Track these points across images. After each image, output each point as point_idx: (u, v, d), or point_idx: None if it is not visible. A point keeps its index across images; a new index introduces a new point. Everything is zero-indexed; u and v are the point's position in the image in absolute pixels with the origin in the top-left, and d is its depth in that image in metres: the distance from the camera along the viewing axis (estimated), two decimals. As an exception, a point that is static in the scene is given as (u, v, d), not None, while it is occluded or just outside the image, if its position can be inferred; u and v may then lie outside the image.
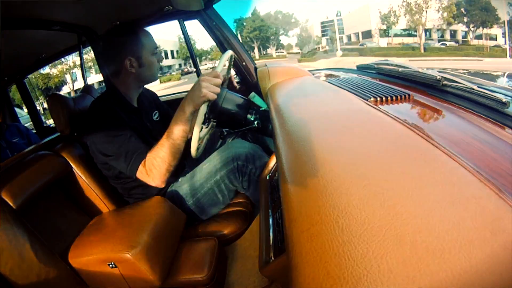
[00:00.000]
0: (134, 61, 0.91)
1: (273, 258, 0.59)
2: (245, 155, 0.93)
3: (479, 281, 0.19)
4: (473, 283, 0.18)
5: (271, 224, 0.67)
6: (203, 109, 0.79)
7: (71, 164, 0.90)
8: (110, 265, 0.72)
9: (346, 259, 0.22)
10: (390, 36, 18.56)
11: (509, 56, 15.13)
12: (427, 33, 17.94)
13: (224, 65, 0.90)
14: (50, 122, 2.28)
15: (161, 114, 1.10)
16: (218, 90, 0.80)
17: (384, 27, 18.40)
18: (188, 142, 0.85)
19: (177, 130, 0.82)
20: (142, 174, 0.83)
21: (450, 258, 0.20)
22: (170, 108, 1.16)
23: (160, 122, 1.08)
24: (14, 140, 1.63)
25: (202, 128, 0.82)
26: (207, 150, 1.14)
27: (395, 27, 18.25)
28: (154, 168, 0.82)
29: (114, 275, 0.73)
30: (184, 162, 1.13)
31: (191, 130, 0.82)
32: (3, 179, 0.73)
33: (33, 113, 2.24)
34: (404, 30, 18.18)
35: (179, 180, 0.99)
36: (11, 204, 0.69)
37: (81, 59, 1.65)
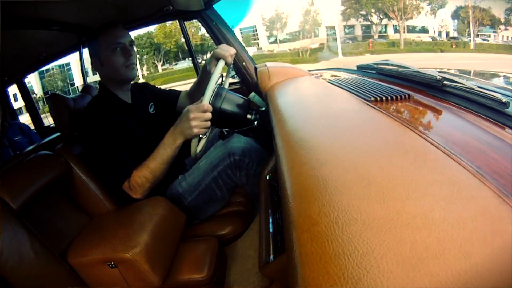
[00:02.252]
0: (97, 61, 0.93)
1: (273, 258, 0.59)
2: (241, 149, 0.93)
3: (479, 281, 0.19)
4: (473, 283, 0.18)
5: (271, 224, 0.67)
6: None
7: (71, 164, 0.90)
8: (110, 265, 0.72)
9: (346, 259, 0.22)
10: (277, 43, 16.92)
11: (341, 55, 14.41)
12: (330, 32, 16.38)
13: (225, 63, 0.90)
14: (49, 122, 2.28)
15: (157, 105, 1.10)
16: (208, 124, 0.81)
17: (268, 33, 16.88)
18: (188, 142, 0.86)
19: (163, 156, 0.85)
20: (125, 186, 0.86)
21: (450, 258, 0.20)
22: (164, 92, 1.17)
23: (156, 114, 1.08)
24: (16, 139, 1.64)
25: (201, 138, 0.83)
26: (207, 149, 1.14)
27: (281, 33, 16.67)
28: (137, 185, 0.85)
29: (114, 275, 0.73)
30: (184, 161, 1.13)
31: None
32: (3, 179, 0.73)
33: (33, 113, 2.24)
34: (291, 34, 16.75)
35: (179, 178, 0.99)
36: (11, 204, 0.69)
37: (81, 59, 1.65)
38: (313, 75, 1.16)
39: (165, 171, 0.87)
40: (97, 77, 1.00)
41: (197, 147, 0.86)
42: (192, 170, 0.98)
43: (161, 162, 0.85)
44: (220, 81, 0.99)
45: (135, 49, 0.98)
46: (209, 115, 0.81)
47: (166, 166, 0.86)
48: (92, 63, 0.95)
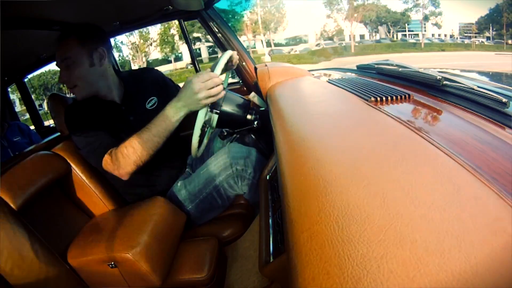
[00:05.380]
0: None
1: (273, 258, 0.59)
2: (244, 159, 0.92)
3: (479, 281, 0.18)
4: (473, 283, 0.18)
5: (271, 224, 0.67)
6: (202, 114, 0.78)
7: (71, 164, 0.90)
8: (110, 265, 0.72)
9: (346, 259, 0.21)
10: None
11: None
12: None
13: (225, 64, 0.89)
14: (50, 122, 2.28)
15: (161, 100, 1.01)
16: (217, 91, 0.76)
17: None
18: (184, 141, 0.84)
19: (160, 128, 0.79)
20: (106, 162, 0.81)
21: (450, 258, 0.20)
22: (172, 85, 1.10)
23: (156, 109, 0.99)
24: (16, 139, 1.63)
25: (202, 131, 0.82)
26: (207, 149, 1.14)
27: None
28: (122, 156, 0.78)
29: (114, 275, 0.73)
30: (185, 162, 1.13)
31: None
32: (3, 179, 0.73)
33: (33, 113, 2.24)
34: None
35: (178, 184, 0.98)
36: (11, 204, 0.69)
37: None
38: (313, 75, 1.16)
39: (157, 146, 0.80)
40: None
41: (197, 147, 0.86)
42: (192, 178, 0.97)
43: (156, 134, 0.78)
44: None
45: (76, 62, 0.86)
46: (215, 80, 0.75)
47: (161, 140, 0.79)
48: None
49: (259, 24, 15.80)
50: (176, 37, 15.81)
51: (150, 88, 1.03)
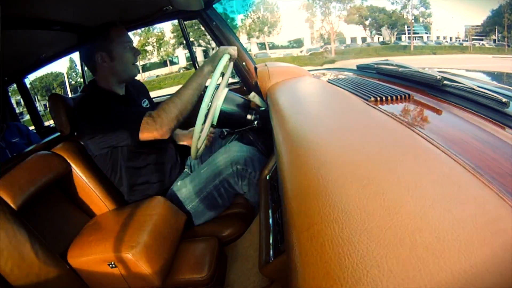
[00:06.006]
0: (105, 56, 0.91)
1: (273, 258, 0.59)
2: (244, 159, 0.93)
3: (479, 281, 0.18)
4: (473, 283, 0.18)
5: (271, 224, 0.67)
6: (205, 105, 0.80)
7: (71, 164, 0.90)
8: (110, 265, 0.72)
9: (346, 259, 0.22)
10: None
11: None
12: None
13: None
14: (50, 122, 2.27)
15: (151, 103, 1.11)
16: (235, 51, 0.91)
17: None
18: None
19: (194, 83, 0.88)
20: (147, 123, 0.82)
21: (450, 258, 0.20)
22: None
23: (150, 108, 1.06)
24: (14, 140, 1.63)
25: (203, 128, 0.82)
26: (207, 150, 1.14)
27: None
28: (164, 112, 0.83)
29: (114, 275, 0.73)
30: (184, 163, 1.13)
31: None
32: (3, 179, 0.73)
33: (33, 113, 2.24)
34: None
35: (178, 183, 0.99)
36: (11, 204, 0.69)
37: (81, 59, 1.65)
38: (313, 75, 1.16)
39: (193, 101, 0.87)
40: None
41: (197, 147, 0.86)
42: (192, 177, 0.97)
43: (191, 88, 0.87)
44: (220, 80, 0.99)
45: None
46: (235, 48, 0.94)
47: (195, 93, 0.88)
48: (96, 58, 0.92)
49: (242, 28, 15.80)
50: (161, 43, 15.53)
51: (140, 91, 1.11)
